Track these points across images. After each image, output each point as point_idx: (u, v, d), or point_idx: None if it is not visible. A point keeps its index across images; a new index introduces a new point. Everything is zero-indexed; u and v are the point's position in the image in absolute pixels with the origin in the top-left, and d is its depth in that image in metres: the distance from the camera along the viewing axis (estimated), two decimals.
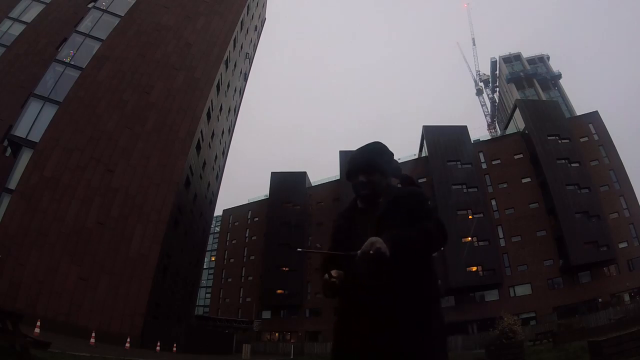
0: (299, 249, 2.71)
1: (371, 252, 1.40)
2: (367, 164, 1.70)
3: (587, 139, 38.17)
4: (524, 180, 38.15)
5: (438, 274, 1.66)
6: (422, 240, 1.48)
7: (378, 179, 1.69)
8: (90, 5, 27.68)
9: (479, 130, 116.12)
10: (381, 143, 1.81)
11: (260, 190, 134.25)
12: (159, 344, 17.42)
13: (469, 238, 34.71)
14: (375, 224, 1.59)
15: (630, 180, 35.66)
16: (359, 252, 1.46)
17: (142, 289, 18.61)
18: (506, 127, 49.39)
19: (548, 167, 36.03)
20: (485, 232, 35.67)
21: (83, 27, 25.84)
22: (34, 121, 20.85)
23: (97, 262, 18.36)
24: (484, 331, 26.26)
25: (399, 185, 1.82)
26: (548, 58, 79.38)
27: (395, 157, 1.92)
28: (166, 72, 25.63)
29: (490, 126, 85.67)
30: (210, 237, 48.67)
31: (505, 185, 38.50)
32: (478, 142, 43.11)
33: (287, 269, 43.60)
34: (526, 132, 39.84)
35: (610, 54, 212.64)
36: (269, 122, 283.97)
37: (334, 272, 1.56)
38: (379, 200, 1.68)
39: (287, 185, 48.35)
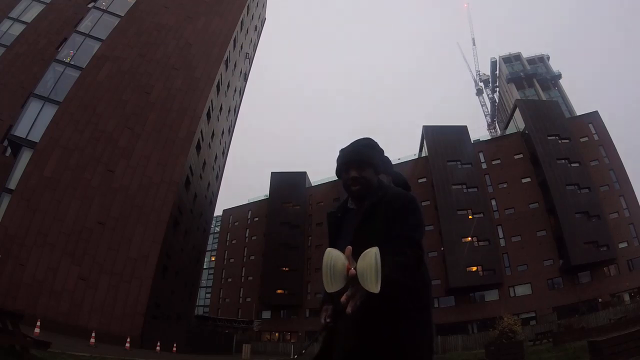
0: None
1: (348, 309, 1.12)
2: (359, 158, 1.64)
3: (587, 138, 38.16)
4: (524, 180, 38.14)
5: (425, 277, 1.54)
6: (406, 278, 1.30)
7: (370, 175, 1.63)
8: (90, 5, 27.69)
9: (479, 130, 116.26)
10: (372, 139, 1.76)
11: (260, 190, 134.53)
12: (159, 344, 17.44)
13: (469, 238, 34.73)
14: (353, 231, 1.54)
15: (630, 180, 35.70)
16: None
17: (142, 289, 18.60)
18: (506, 127, 49.39)
19: (548, 167, 36.03)
20: (485, 232, 35.67)
21: (83, 27, 25.84)
22: (34, 121, 20.83)
23: (97, 262, 18.36)
24: (484, 331, 26.26)
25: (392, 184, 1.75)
26: (548, 58, 79.37)
27: (395, 157, 1.86)
28: (166, 72, 25.62)
29: (490, 126, 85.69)
30: (210, 237, 48.65)
31: (505, 185, 38.49)
32: (478, 142, 43.07)
33: (287, 269, 43.66)
34: (526, 132, 39.83)
35: (610, 53, 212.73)
36: (269, 122, 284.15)
37: (324, 314, 1.51)
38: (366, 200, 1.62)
39: (287, 185, 48.33)
